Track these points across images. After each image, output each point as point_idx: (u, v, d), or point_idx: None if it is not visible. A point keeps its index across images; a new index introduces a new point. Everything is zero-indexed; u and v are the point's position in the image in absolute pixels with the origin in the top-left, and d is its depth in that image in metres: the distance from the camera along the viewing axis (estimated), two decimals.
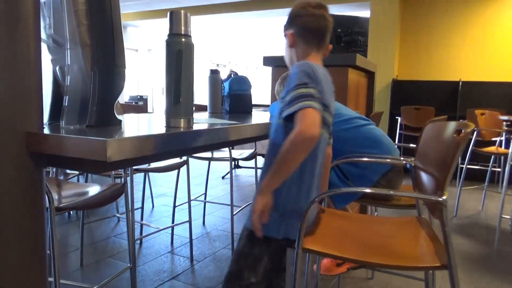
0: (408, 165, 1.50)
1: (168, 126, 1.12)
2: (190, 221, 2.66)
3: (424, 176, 1.22)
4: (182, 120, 1.11)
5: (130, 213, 2.08)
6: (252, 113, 2.27)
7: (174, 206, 2.91)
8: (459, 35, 5.85)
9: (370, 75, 3.69)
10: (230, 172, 2.66)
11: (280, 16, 7.84)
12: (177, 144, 1.01)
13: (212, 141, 1.17)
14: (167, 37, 1.10)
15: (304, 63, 1.16)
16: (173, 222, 3.02)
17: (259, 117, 2.07)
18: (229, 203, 2.99)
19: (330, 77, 1.30)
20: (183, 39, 1.09)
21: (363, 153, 1.69)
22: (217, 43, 11.92)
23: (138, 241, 2.81)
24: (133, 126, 1.20)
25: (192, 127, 1.12)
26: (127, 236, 2.73)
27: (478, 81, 5.54)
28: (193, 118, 1.16)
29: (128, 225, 2.04)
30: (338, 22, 4.01)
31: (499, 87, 5.42)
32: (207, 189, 3.50)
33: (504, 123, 3.61)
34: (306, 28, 1.27)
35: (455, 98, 5.57)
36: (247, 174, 5.52)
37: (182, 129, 1.07)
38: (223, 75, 2.33)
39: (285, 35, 1.34)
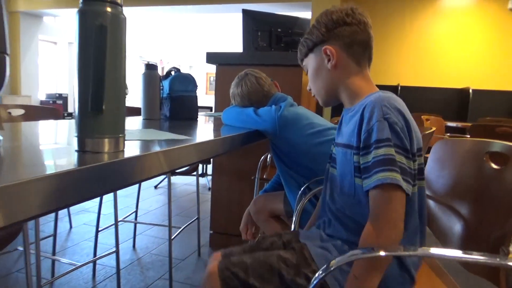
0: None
1: (81, 150, 0.68)
2: (117, 249, 2.17)
3: (454, 219, 0.92)
4: (106, 141, 0.68)
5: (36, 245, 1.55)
6: (198, 119, 1.86)
7: (97, 231, 2.38)
8: (397, 41, 5.93)
9: None
10: (169, 184, 2.22)
11: (218, 13, 7.43)
12: (95, 184, 0.59)
13: (152, 173, 0.76)
14: (80, 5, 0.67)
15: (382, 100, 0.84)
16: (95, 251, 2.46)
17: (207, 126, 1.66)
18: (165, 222, 2.53)
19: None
20: (109, 9, 0.66)
21: None
22: (148, 39, 11.14)
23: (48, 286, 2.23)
24: (20, 151, 0.75)
25: (122, 151, 0.70)
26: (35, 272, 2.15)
27: (416, 86, 5.65)
28: (124, 136, 0.73)
29: (37, 263, 1.51)
30: (278, 22, 3.73)
31: (435, 92, 5.56)
32: (139, 201, 3.00)
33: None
34: (358, 40, 0.96)
35: None
36: (184, 182, 5.03)
37: (105, 156, 0.65)
38: (161, 72, 1.88)
39: (308, 52, 1.02)
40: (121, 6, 0.69)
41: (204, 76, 13.90)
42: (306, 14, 6.17)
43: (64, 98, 8.49)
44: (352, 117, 0.91)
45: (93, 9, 0.66)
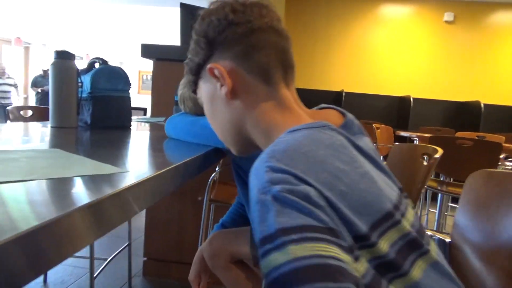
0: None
1: None
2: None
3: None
4: None
5: None
6: (131, 127, 1.41)
7: None
8: (340, 46, 5.84)
9: None
10: None
11: (154, 5, 6.84)
12: None
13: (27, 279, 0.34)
14: None
15: (284, 146, 0.50)
16: None
17: (144, 140, 1.23)
18: (87, 248, 2.01)
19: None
20: None
21: None
22: (73, 29, 10.06)
23: None
24: None
25: None
26: None
27: (359, 92, 5.60)
28: None
29: None
30: None
31: (377, 99, 5.55)
32: None
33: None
34: (258, 44, 0.62)
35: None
36: None
37: None
38: (82, 65, 1.41)
39: (196, 79, 0.71)
40: None
41: (136, 74, 13.00)
42: None
43: None
44: None
45: None
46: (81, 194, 0.46)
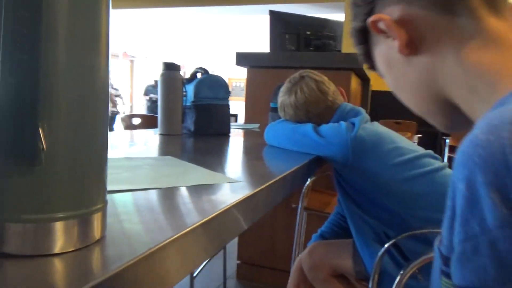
0: None
1: None
2: None
3: None
4: (55, 228, 0.28)
5: None
6: (231, 134, 1.44)
7: None
8: None
9: (364, 83, 3.02)
10: None
11: (243, 15, 7.07)
12: None
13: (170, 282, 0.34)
14: None
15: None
16: None
17: (246, 148, 1.25)
18: None
19: None
20: None
21: (442, 222, 0.94)
22: (169, 41, 10.88)
23: None
24: None
25: (99, 241, 0.29)
26: None
27: (389, 90, 5.15)
28: (103, 208, 0.32)
29: None
30: (306, 24, 3.40)
31: None
32: None
33: None
34: None
35: None
36: None
37: (55, 268, 0.23)
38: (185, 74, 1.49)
39: (367, 49, 0.54)
40: None
41: (226, 80, 13.58)
42: (338, 16, 5.75)
43: None
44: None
45: None
46: (207, 203, 0.47)
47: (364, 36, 0.54)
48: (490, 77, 0.40)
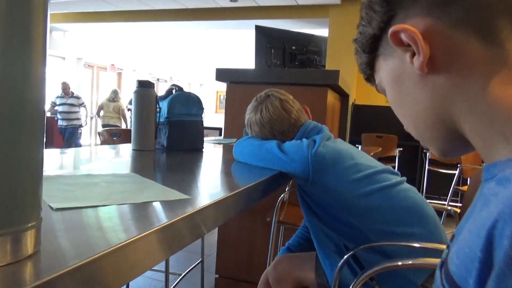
0: None
1: None
2: None
3: None
4: None
5: None
6: (204, 149, 1.48)
7: None
8: None
9: (343, 98, 3.09)
10: None
11: (230, 29, 7.17)
12: None
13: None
14: None
15: None
16: None
17: (215, 163, 1.29)
18: (163, 267, 2.12)
19: None
20: None
21: (397, 235, 0.98)
22: (158, 55, 10.93)
23: None
24: None
25: (33, 256, 0.33)
26: None
27: (369, 104, 5.36)
28: (37, 225, 0.36)
29: None
30: (292, 39, 3.49)
31: (390, 111, 5.20)
32: None
33: None
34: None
35: None
36: None
37: None
38: (163, 91, 1.53)
39: (372, 58, 0.52)
40: None
41: (214, 94, 13.65)
42: (322, 32, 5.87)
43: None
44: (486, 203, 0.36)
45: None
46: (150, 218, 0.50)
47: (374, 44, 0.50)
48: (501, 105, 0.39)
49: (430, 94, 0.45)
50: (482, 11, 0.41)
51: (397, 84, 0.49)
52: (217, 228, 2.44)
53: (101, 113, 7.37)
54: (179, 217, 0.50)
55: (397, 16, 0.45)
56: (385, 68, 0.51)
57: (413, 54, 0.44)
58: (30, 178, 0.34)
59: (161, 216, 0.53)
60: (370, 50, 0.51)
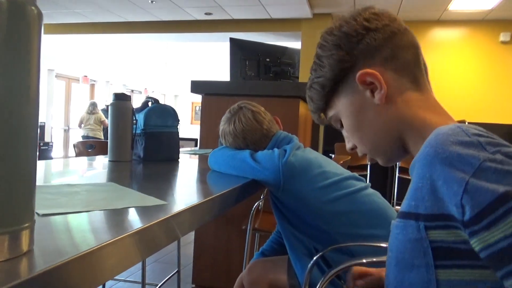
0: None
1: None
2: None
3: None
4: None
5: None
6: (180, 160, 1.53)
7: None
8: None
9: None
10: None
11: (205, 41, 7.24)
12: None
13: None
14: None
15: (459, 135, 0.49)
16: None
17: (190, 172, 1.34)
18: (140, 273, 2.13)
19: None
20: None
21: (363, 236, 1.06)
22: (132, 67, 10.87)
23: None
24: None
25: (27, 253, 0.37)
26: None
27: None
28: (31, 226, 0.40)
29: None
30: (266, 51, 3.59)
31: None
32: None
33: None
34: (402, 45, 0.64)
35: None
36: None
37: None
38: (137, 103, 1.57)
39: (329, 97, 0.69)
40: None
41: (189, 105, 13.63)
42: (295, 45, 6.03)
43: (41, 127, 8.09)
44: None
45: None
46: (129, 222, 0.55)
47: (333, 85, 0.67)
48: (430, 127, 0.58)
49: (385, 120, 0.64)
50: (411, 64, 0.64)
51: (358, 114, 0.66)
52: (193, 239, 2.47)
53: (82, 125, 7.42)
54: (155, 221, 0.55)
55: (357, 65, 0.64)
56: (344, 103, 0.67)
57: (373, 90, 0.63)
58: (26, 184, 0.39)
59: (139, 220, 0.58)
60: (330, 89, 0.67)
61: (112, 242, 0.45)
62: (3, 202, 0.36)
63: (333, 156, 4.98)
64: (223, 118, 1.27)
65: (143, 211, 0.62)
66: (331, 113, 0.71)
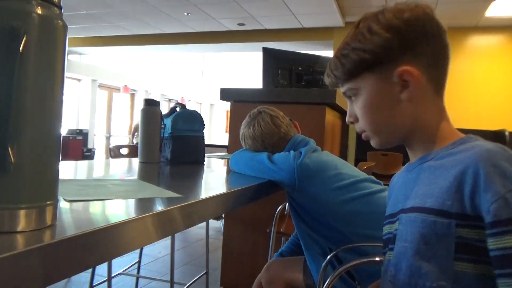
0: None
1: None
2: None
3: None
4: (20, 214, 0.43)
5: None
6: (205, 163, 1.60)
7: (91, 286, 2.10)
8: None
9: (343, 116, 3.20)
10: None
11: (239, 51, 7.40)
12: None
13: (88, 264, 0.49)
14: None
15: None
16: None
17: (213, 173, 1.40)
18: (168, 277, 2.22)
19: None
20: (34, 9, 0.43)
21: (378, 238, 1.07)
22: (169, 76, 11.24)
23: None
24: None
25: (51, 226, 0.45)
26: None
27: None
28: (55, 203, 0.47)
29: None
30: (299, 60, 3.62)
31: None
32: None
33: None
34: (443, 59, 0.67)
35: None
36: (200, 224, 4.72)
37: (19, 239, 0.39)
38: (166, 109, 1.66)
39: (370, 75, 0.68)
40: (59, 7, 0.45)
41: (224, 114, 13.89)
42: (327, 53, 6.04)
43: (84, 134, 8.53)
44: (437, 169, 0.62)
45: (7, 5, 0.42)
46: (146, 208, 0.62)
47: (374, 64, 0.67)
48: (442, 133, 0.67)
49: (403, 114, 0.67)
50: (443, 76, 0.67)
51: (380, 99, 0.69)
52: (222, 244, 2.53)
53: (136, 134, 7.78)
54: (170, 207, 0.62)
55: (405, 58, 0.65)
56: (373, 83, 0.68)
57: (403, 87, 0.65)
58: (50, 170, 0.46)
59: (151, 207, 0.64)
60: (368, 64, 0.67)
61: (128, 221, 0.52)
62: (32, 184, 0.44)
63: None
64: (244, 122, 1.33)
65: (159, 200, 0.68)
66: (351, 85, 0.70)
